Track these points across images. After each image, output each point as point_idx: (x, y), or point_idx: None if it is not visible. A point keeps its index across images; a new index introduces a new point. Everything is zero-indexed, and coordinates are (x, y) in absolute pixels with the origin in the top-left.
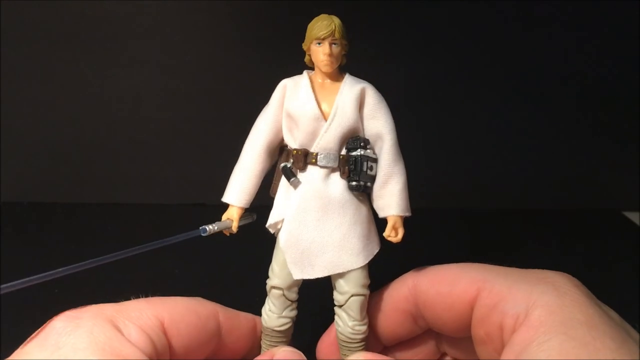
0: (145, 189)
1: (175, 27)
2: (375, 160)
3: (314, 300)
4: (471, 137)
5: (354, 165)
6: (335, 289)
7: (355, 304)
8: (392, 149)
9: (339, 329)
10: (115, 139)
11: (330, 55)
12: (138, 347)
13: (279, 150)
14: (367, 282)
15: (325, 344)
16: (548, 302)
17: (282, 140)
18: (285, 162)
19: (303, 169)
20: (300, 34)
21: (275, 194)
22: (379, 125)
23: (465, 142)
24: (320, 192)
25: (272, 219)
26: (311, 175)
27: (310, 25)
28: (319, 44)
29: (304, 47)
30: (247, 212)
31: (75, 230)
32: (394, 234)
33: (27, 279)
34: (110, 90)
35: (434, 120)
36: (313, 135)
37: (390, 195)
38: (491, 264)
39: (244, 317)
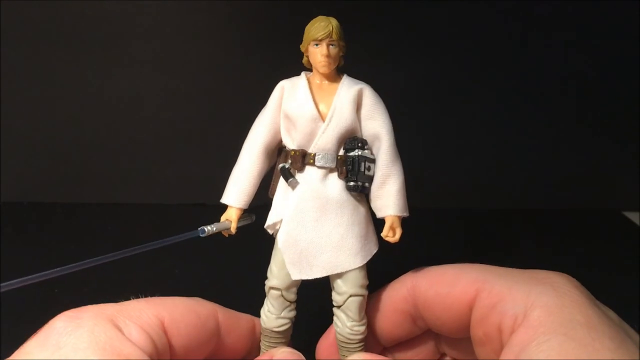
0: (145, 189)
1: (175, 27)
2: (372, 161)
3: (313, 300)
4: (471, 137)
5: (352, 166)
6: (333, 289)
7: (353, 304)
8: (390, 149)
9: (338, 329)
10: (115, 139)
11: (328, 56)
12: (139, 347)
13: (277, 151)
14: (366, 282)
15: (324, 345)
16: (547, 303)
17: (281, 141)
18: (283, 162)
19: (301, 169)
20: (300, 34)
21: (273, 195)
22: (377, 125)
23: (465, 142)
24: (318, 193)
25: (270, 220)
26: (309, 176)
27: (307, 27)
28: (317, 45)
29: (302, 48)
30: (246, 213)
31: (75, 230)
32: (391, 234)
33: (27, 277)
34: (110, 90)
35: (434, 120)
36: (311, 136)
37: (388, 196)
38: (491, 264)
39: (243, 318)
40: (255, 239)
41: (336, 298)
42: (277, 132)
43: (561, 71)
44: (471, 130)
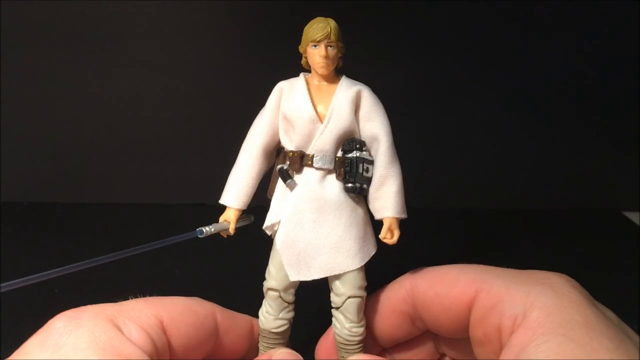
0: (145, 189)
1: (175, 27)
2: (371, 162)
3: (312, 302)
4: (471, 137)
5: (350, 167)
6: (332, 290)
7: (352, 305)
8: (388, 151)
9: (337, 330)
10: (116, 139)
11: (327, 57)
12: (139, 346)
13: (275, 152)
14: (364, 284)
15: (323, 346)
16: (546, 304)
17: (279, 142)
18: (282, 164)
19: (299, 170)
20: (300, 34)
21: (272, 196)
22: (375, 127)
23: (465, 142)
24: (316, 194)
25: (268, 221)
26: (307, 177)
27: (306, 28)
28: (315, 46)
29: (300, 49)
30: (244, 214)
31: (75, 230)
32: (389, 235)
33: (27, 277)
34: (110, 90)
35: (434, 120)
36: (309, 137)
37: (386, 197)
38: (491, 264)
39: (241, 318)
40: (254, 240)
41: (335, 299)
42: (276, 133)
43: (561, 71)
44: (471, 130)
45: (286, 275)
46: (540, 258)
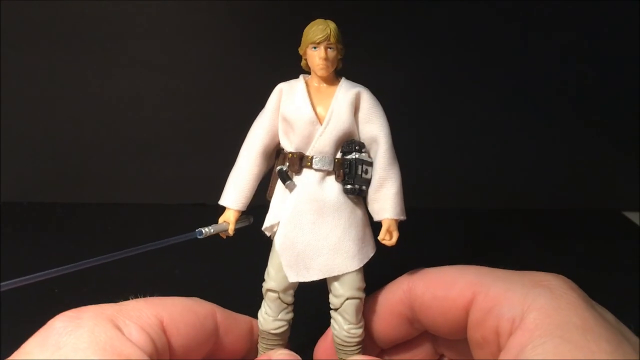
0: (145, 189)
1: (175, 27)
2: (370, 164)
3: (310, 303)
4: (471, 137)
5: (349, 169)
6: (330, 292)
7: (350, 307)
8: (387, 152)
9: (335, 332)
10: (116, 139)
11: (326, 59)
12: (139, 347)
13: (275, 154)
14: (363, 285)
15: (322, 348)
16: (544, 305)
17: (279, 143)
18: (281, 165)
19: (298, 172)
20: (300, 35)
21: (271, 197)
22: (374, 129)
23: (465, 142)
24: (316, 195)
25: (268, 222)
26: (306, 179)
27: (306, 30)
28: (315, 48)
29: (300, 51)
30: (243, 215)
31: (75, 230)
32: (388, 237)
33: (27, 277)
34: (110, 90)
35: (434, 120)
36: (308, 139)
37: (385, 199)
38: (491, 264)
39: (241, 319)
40: (253, 241)
41: (333, 301)
42: (275, 135)
43: (561, 71)
44: (471, 130)
45: (285, 277)
46: (540, 258)
